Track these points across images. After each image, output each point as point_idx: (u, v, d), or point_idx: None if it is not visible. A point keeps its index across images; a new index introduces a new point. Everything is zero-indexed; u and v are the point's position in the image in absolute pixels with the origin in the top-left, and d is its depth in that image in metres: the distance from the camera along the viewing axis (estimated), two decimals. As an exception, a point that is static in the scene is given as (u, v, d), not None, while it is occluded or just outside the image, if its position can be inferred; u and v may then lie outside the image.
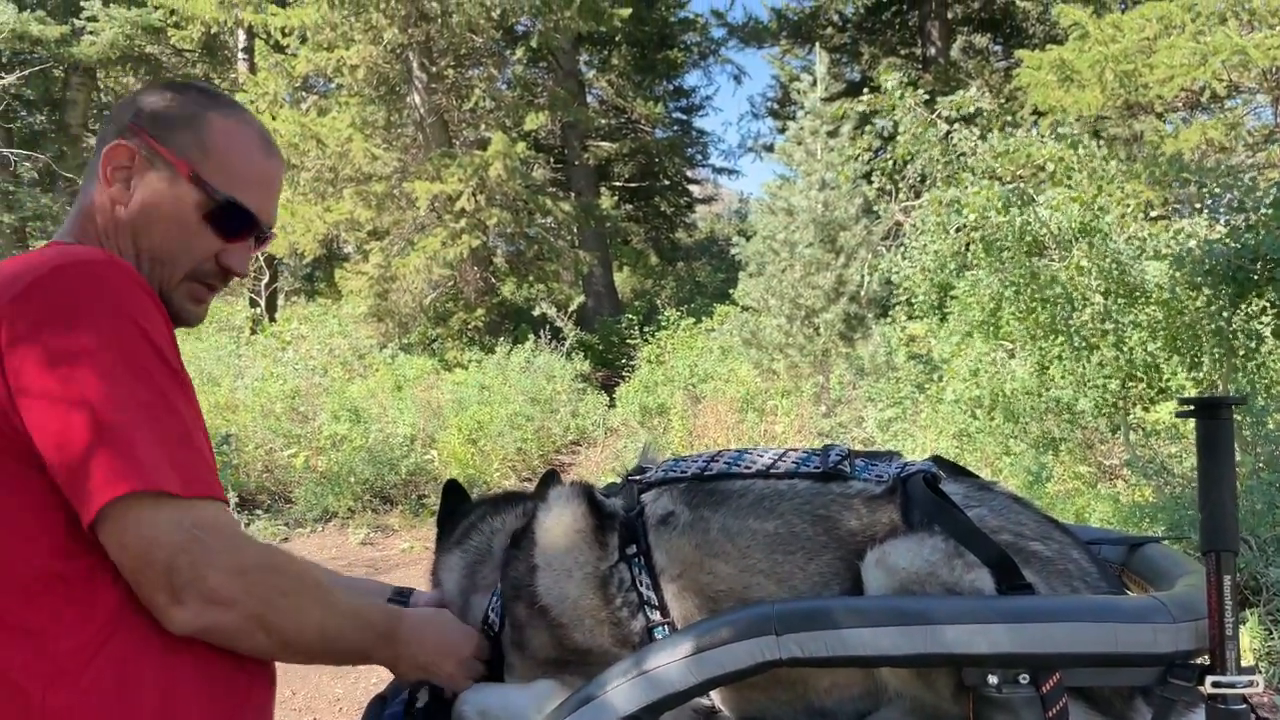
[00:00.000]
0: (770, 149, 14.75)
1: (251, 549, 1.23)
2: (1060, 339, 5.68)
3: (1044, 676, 1.20)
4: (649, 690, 1.27)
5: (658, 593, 1.45)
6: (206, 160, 1.35)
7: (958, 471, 1.54)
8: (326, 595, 1.31)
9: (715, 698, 1.44)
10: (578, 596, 1.48)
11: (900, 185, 8.66)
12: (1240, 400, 1.20)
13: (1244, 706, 1.13)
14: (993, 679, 1.20)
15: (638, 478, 1.57)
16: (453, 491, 1.87)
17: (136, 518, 1.12)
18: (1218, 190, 5.63)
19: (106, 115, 1.44)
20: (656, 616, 1.44)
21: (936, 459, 1.55)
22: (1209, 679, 1.14)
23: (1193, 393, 5.44)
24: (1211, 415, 1.17)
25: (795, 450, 1.55)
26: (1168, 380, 5.55)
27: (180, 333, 1.38)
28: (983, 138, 6.19)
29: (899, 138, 6.88)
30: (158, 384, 1.17)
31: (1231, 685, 1.13)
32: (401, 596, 1.70)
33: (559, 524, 1.54)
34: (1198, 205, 5.89)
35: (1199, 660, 1.19)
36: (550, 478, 1.86)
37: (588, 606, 1.47)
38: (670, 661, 1.27)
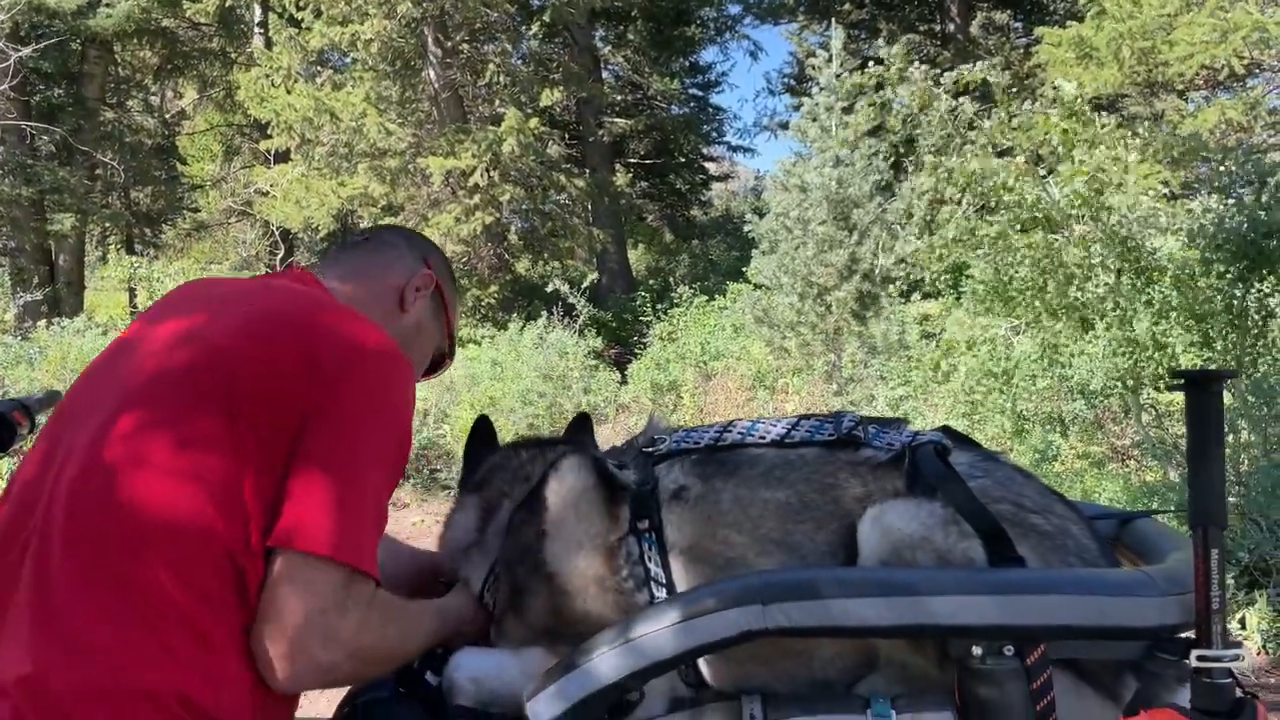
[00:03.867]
0: (786, 126, 14.70)
1: (370, 633, 1.32)
2: (1069, 315, 5.65)
3: (1029, 648, 1.21)
4: (635, 658, 1.27)
5: (666, 569, 1.45)
6: (451, 314, 1.78)
7: (965, 442, 1.54)
8: (415, 640, 1.45)
9: (707, 672, 1.44)
10: (585, 567, 1.47)
11: (912, 161, 8.60)
12: (1232, 374, 1.19)
13: (1229, 680, 1.12)
14: (977, 650, 1.21)
15: (650, 449, 1.56)
16: (481, 430, 1.87)
17: (312, 572, 1.25)
18: (1234, 168, 5.55)
19: (408, 237, 1.78)
20: (662, 593, 1.44)
21: (945, 429, 1.55)
22: (1194, 653, 1.13)
23: (1205, 373, 5.37)
24: (1202, 388, 1.16)
25: (808, 418, 1.54)
26: (1180, 359, 5.50)
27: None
28: (985, 113, 6.12)
29: (894, 109, 6.82)
30: (390, 473, 1.37)
31: (1218, 659, 1.12)
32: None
33: (570, 493, 1.53)
34: (1215, 185, 5.80)
35: (1186, 635, 1.19)
36: (583, 421, 1.87)
37: (594, 576, 1.47)
38: (656, 629, 1.27)
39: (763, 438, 1.51)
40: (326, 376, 1.30)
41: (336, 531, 1.25)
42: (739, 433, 1.53)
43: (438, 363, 1.80)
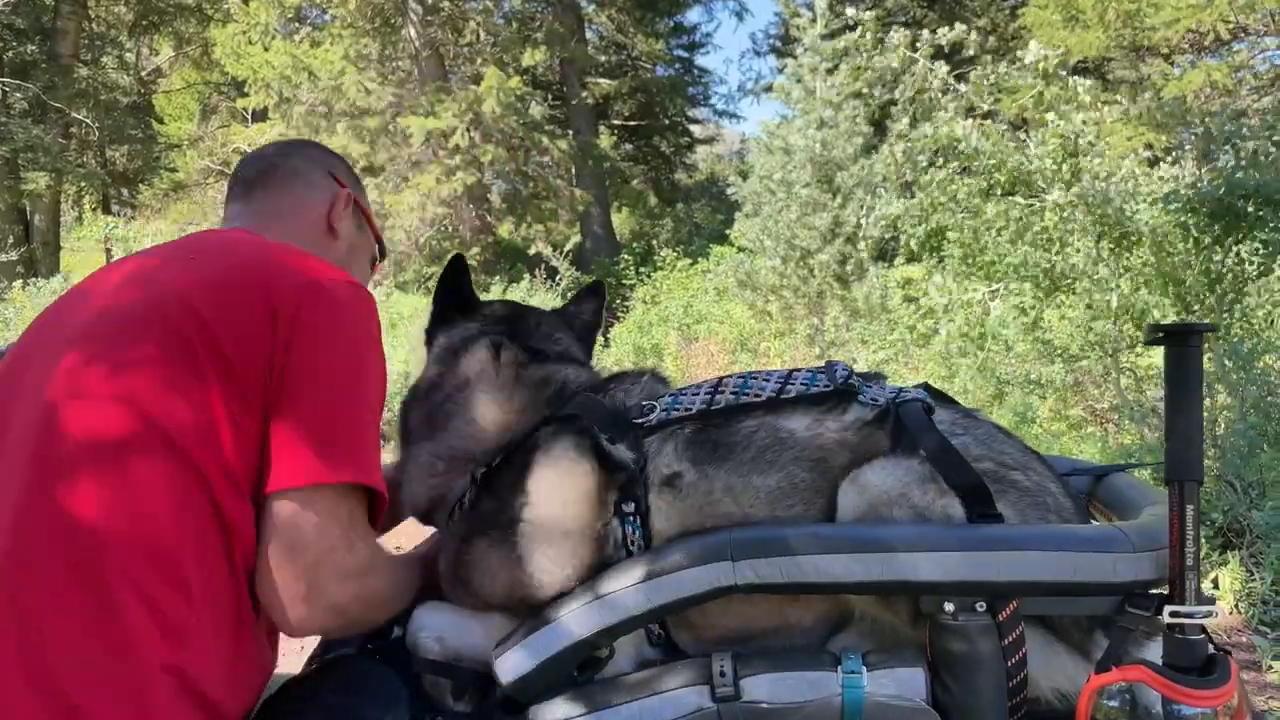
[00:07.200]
0: (770, 89, 14.61)
1: (376, 572, 1.33)
2: (1043, 280, 5.65)
3: (1001, 605, 1.19)
4: (605, 614, 1.26)
5: None
6: (371, 219, 1.77)
7: (945, 400, 1.52)
8: (409, 587, 1.47)
9: (676, 636, 1.41)
10: (565, 563, 1.38)
11: (894, 128, 8.58)
12: (1210, 328, 1.16)
13: (1201, 637, 1.12)
14: (949, 606, 1.19)
15: (641, 420, 1.46)
16: (457, 272, 1.78)
17: (318, 504, 1.24)
18: (1214, 131, 5.55)
19: (310, 157, 1.71)
20: None
21: (926, 386, 1.52)
22: (1167, 609, 1.12)
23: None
24: (1180, 343, 1.15)
25: (800, 371, 1.49)
26: (1159, 323, 5.51)
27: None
28: (961, 77, 6.10)
29: (866, 74, 6.80)
30: (373, 400, 1.35)
31: (1190, 615, 1.11)
32: None
33: (561, 484, 1.41)
34: (1193, 149, 5.80)
35: (1159, 590, 1.18)
36: (597, 290, 1.88)
37: (573, 571, 1.38)
38: (626, 586, 1.26)
39: (757, 396, 1.45)
40: (289, 316, 1.26)
41: (324, 458, 1.23)
42: (732, 393, 1.46)
43: (372, 265, 1.82)
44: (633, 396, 1.54)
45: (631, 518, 1.39)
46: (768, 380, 1.48)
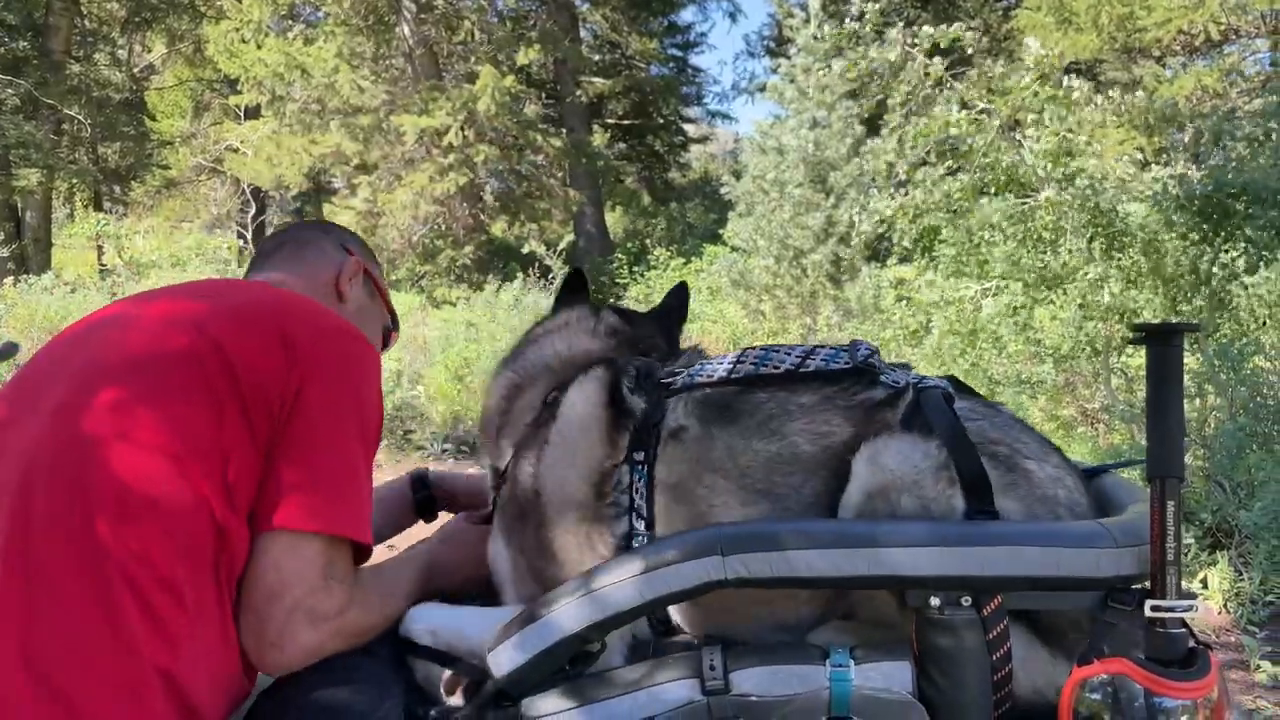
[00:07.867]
0: (764, 89, 14.62)
1: (354, 606, 1.35)
2: (1040, 280, 5.68)
3: (986, 599, 1.21)
4: (596, 609, 1.27)
5: (649, 504, 1.44)
6: (384, 291, 1.88)
7: (967, 392, 1.53)
8: (401, 600, 1.49)
9: (677, 619, 1.45)
10: (574, 487, 1.48)
11: (885, 122, 8.59)
12: (1192, 327, 1.18)
13: (1182, 630, 1.13)
14: (935, 600, 1.21)
15: (667, 380, 1.54)
16: (576, 279, 2.04)
17: (294, 548, 1.28)
18: (1204, 133, 5.59)
19: (324, 231, 1.87)
20: (641, 526, 1.43)
21: (951, 378, 1.53)
22: (1149, 603, 1.14)
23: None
24: (1163, 341, 1.16)
25: (823, 348, 1.51)
26: (1143, 322, 5.53)
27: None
28: (956, 77, 6.14)
29: (856, 68, 6.83)
30: (370, 444, 1.42)
31: (1171, 609, 1.13)
32: (422, 485, 1.97)
33: (581, 409, 1.55)
34: (1180, 150, 5.84)
35: (1141, 585, 1.20)
36: (680, 290, 2.04)
37: (579, 499, 1.47)
38: (618, 581, 1.27)
39: (776, 368, 1.48)
40: (303, 357, 1.33)
41: (316, 505, 1.29)
42: (752, 363, 1.50)
43: (385, 337, 1.90)
44: (670, 363, 1.63)
45: (640, 466, 1.46)
46: (789, 354, 1.51)
